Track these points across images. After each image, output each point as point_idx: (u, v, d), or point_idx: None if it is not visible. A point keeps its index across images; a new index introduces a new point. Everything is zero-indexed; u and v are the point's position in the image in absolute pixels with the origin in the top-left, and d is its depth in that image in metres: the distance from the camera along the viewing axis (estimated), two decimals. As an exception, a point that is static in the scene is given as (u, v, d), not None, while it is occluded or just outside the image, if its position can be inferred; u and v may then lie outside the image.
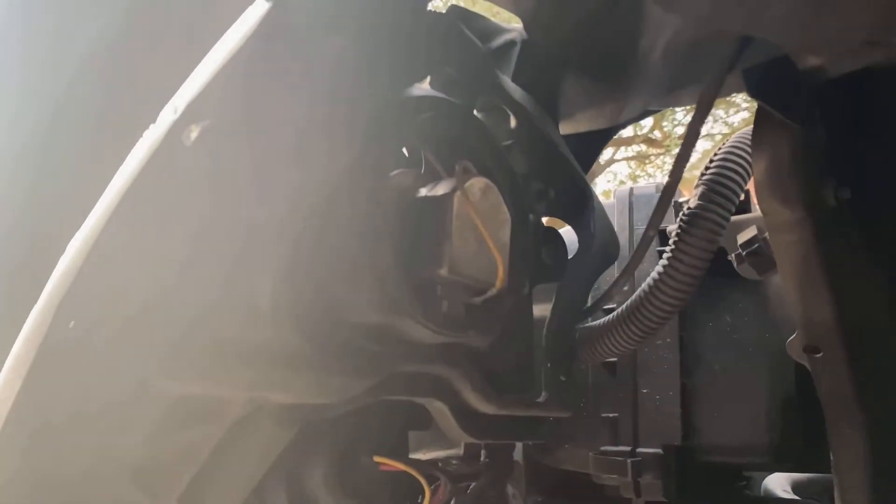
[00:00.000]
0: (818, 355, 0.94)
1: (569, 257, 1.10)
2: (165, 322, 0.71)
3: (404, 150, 0.94)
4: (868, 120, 0.86)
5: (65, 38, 0.83)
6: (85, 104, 0.83)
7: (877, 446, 0.94)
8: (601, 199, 1.19)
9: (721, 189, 0.95)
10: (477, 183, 0.86)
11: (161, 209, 0.70)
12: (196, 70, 0.72)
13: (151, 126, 0.73)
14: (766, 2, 0.52)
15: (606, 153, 7.89)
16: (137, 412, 0.74)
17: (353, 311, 0.78)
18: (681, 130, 7.00)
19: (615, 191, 1.33)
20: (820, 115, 0.82)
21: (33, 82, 0.84)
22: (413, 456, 1.14)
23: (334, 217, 0.75)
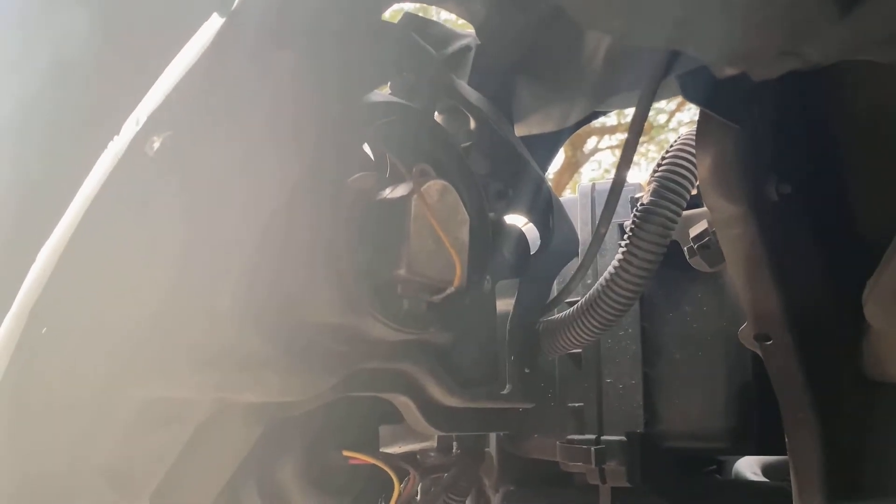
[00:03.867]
0: (768, 343, 0.97)
1: (531, 253, 1.14)
2: (131, 327, 0.74)
3: (370, 153, 0.97)
4: (805, 116, 0.90)
5: (33, 43, 0.85)
6: (53, 111, 0.85)
7: (828, 429, 0.97)
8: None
9: (672, 185, 0.98)
10: (434, 185, 0.89)
11: (126, 218, 0.73)
12: (157, 82, 0.75)
13: (115, 137, 0.75)
14: (680, 21, 0.55)
15: (591, 143, 7.89)
16: (107, 414, 0.77)
17: (313, 311, 0.81)
18: (663, 118, 7.05)
19: (578, 186, 1.35)
20: (759, 114, 0.85)
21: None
22: (388, 449, 1.17)
23: (293, 220, 0.78)
